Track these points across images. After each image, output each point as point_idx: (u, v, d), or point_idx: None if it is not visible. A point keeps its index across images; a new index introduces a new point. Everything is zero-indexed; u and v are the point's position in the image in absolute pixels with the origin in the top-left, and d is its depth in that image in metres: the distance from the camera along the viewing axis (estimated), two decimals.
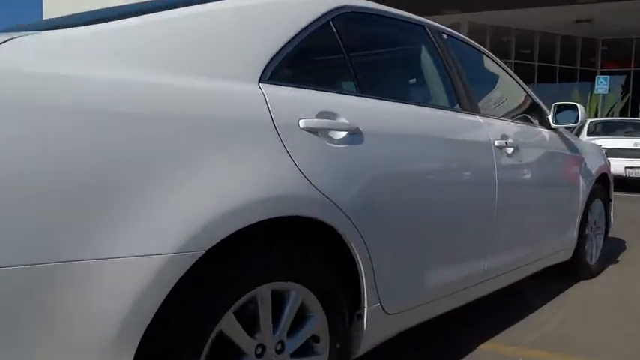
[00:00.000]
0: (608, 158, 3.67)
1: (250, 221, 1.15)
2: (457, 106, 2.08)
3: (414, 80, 2.27)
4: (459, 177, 1.96)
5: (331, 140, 1.39)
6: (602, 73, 15.47)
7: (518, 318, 2.42)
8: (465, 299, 2.06)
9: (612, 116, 14.29)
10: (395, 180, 1.60)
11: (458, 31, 2.42)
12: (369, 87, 1.68)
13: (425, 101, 2.06)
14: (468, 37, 2.48)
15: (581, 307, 2.63)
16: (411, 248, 1.67)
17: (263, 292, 1.23)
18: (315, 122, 1.36)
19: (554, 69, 18.58)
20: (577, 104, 2.76)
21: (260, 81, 1.31)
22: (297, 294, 1.32)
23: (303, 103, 1.38)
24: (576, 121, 2.70)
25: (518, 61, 17.40)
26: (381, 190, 1.53)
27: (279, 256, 1.27)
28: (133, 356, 1.00)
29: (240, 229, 1.14)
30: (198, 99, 1.15)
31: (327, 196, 1.33)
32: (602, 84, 13.71)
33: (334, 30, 1.60)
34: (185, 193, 1.05)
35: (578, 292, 2.90)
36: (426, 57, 2.11)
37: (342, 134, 1.42)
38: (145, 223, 0.99)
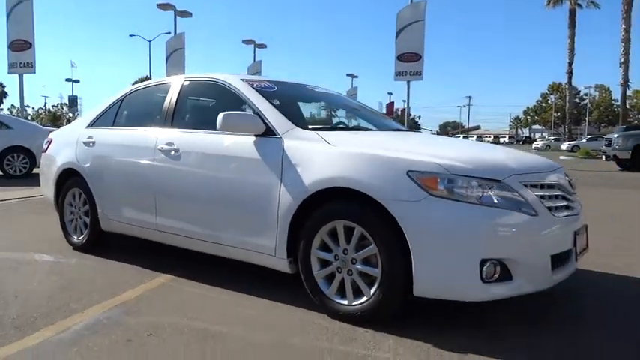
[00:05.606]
0: None
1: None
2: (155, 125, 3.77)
3: (144, 115, 4.16)
4: (135, 162, 3.73)
5: (87, 145, 4.18)
6: None
7: None
8: (151, 237, 3.72)
9: None
10: (106, 160, 4.00)
11: None
12: (118, 122, 4.24)
13: (137, 124, 4.02)
14: None
15: None
16: (111, 189, 3.97)
17: None
18: (86, 140, 4.26)
19: None
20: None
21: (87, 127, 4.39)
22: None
23: (83, 134, 4.32)
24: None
25: None
26: (101, 164, 4.02)
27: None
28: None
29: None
30: None
31: (81, 164, 4.21)
32: None
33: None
34: None
35: None
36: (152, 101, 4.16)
37: (92, 143, 4.16)
38: None
